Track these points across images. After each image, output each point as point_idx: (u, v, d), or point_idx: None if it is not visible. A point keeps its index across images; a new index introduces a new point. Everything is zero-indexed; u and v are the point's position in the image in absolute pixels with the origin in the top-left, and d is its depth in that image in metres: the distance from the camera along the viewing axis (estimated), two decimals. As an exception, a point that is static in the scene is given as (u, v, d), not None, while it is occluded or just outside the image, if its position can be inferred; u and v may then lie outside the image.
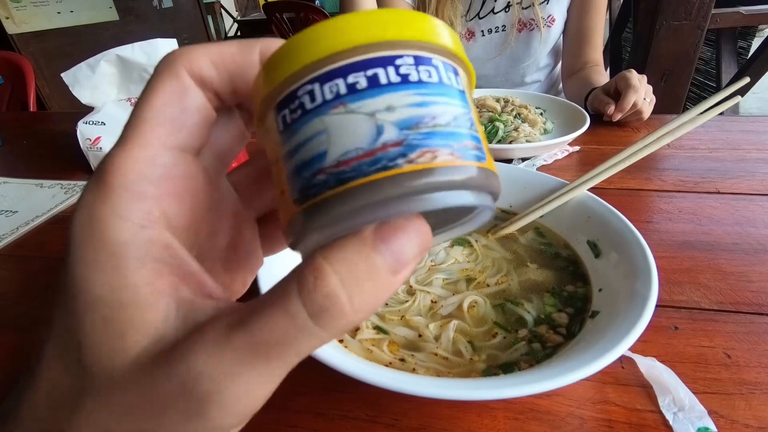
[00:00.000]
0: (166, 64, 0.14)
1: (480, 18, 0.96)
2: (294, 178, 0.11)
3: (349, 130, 0.11)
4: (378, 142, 0.10)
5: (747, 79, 0.42)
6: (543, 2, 0.92)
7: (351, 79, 0.11)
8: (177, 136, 0.13)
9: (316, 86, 0.11)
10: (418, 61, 0.11)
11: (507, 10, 0.94)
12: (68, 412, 0.12)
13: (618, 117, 0.73)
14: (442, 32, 0.12)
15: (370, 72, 0.11)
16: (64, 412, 0.12)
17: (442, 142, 0.11)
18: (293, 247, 0.12)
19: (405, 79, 0.11)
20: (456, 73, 0.12)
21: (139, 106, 0.13)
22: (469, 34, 0.98)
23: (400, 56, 0.11)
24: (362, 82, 0.11)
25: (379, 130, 0.11)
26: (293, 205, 0.11)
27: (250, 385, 0.11)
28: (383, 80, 0.11)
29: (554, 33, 0.96)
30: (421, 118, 0.11)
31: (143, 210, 0.12)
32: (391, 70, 0.11)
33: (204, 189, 0.15)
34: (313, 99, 0.11)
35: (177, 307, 0.12)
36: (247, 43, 0.14)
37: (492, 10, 0.94)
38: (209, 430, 0.11)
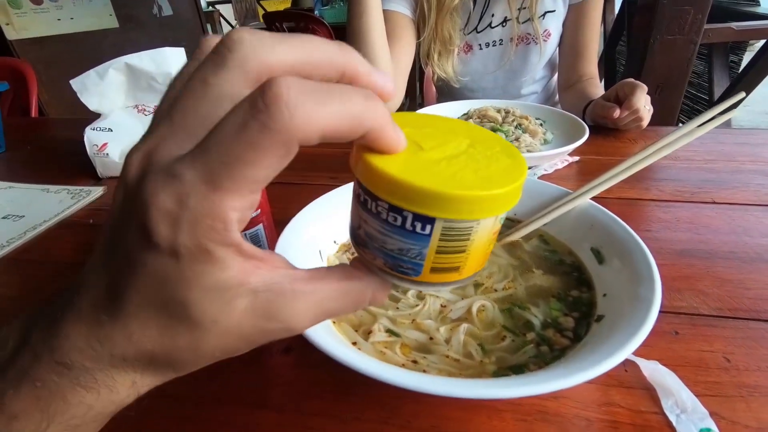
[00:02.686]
0: (290, 131, 0.13)
1: (478, 32, 0.98)
2: (351, 222, 0.20)
3: (366, 227, 0.19)
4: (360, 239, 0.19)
5: (742, 94, 0.44)
6: (539, 17, 0.94)
7: (372, 208, 0.18)
8: (261, 187, 0.15)
9: (370, 200, 0.18)
10: (392, 209, 0.17)
11: (504, 24, 0.96)
12: (192, 344, 0.16)
13: (624, 114, 0.74)
14: (435, 202, 0.16)
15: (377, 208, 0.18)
16: (186, 344, 0.16)
17: (382, 256, 0.18)
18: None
19: (378, 216, 0.17)
20: (427, 223, 0.17)
21: (248, 159, 0.14)
22: (467, 48, 1.01)
23: (388, 204, 0.17)
24: (373, 209, 0.18)
25: (366, 234, 0.19)
26: (350, 231, 0.20)
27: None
28: (371, 209, 0.18)
29: (550, 47, 0.99)
30: (379, 240, 0.18)
31: (235, 238, 0.15)
32: (379, 207, 0.17)
33: None
34: (367, 204, 0.18)
35: (262, 280, 0.16)
36: (358, 123, 0.15)
37: (489, 25, 0.97)
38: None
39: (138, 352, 0.16)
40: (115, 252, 0.16)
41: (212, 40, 0.17)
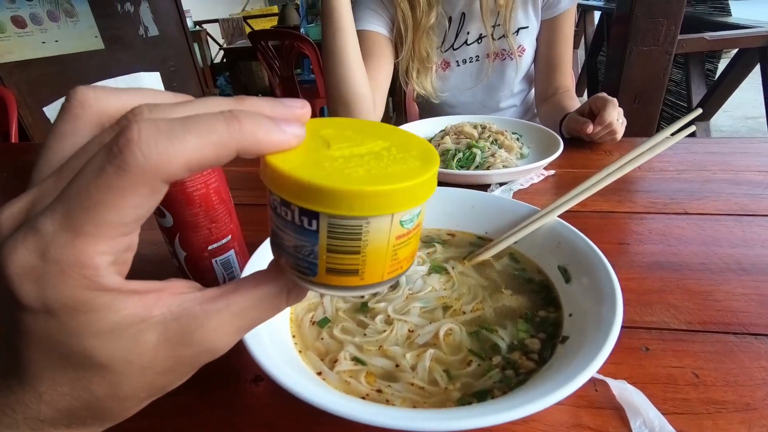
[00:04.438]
0: (147, 172, 0.13)
1: (454, 49, 1.00)
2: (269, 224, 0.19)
3: (272, 224, 0.19)
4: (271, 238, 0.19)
5: (699, 110, 0.45)
6: (513, 33, 0.96)
7: (271, 203, 0.18)
8: (133, 228, 0.15)
9: (270, 196, 0.18)
10: (282, 203, 0.17)
11: (480, 41, 0.98)
12: (112, 389, 0.16)
13: (597, 129, 0.75)
14: (316, 196, 0.16)
15: (273, 203, 0.18)
16: (108, 396, 0.16)
17: (284, 254, 0.18)
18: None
19: (275, 212, 0.17)
20: (312, 218, 0.16)
21: (108, 204, 0.14)
22: (444, 65, 1.02)
23: (279, 198, 0.17)
24: (272, 204, 0.18)
25: (273, 233, 0.19)
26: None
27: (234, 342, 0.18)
28: (271, 204, 0.18)
29: (526, 61, 1.01)
30: (280, 236, 0.18)
31: (113, 281, 0.15)
32: (275, 202, 0.17)
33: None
34: (269, 200, 0.18)
35: (167, 310, 0.16)
36: (228, 143, 0.15)
37: (465, 42, 0.99)
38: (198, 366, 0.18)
39: (54, 411, 0.16)
40: (3, 314, 0.15)
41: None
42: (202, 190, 0.39)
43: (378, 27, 0.95)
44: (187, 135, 0.14)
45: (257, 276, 0.18)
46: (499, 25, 0.95)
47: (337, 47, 0.80)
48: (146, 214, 0.15)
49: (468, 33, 0.97)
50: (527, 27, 0.96)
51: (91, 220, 0.14)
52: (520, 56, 0.98)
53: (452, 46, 0.99)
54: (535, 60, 1.03)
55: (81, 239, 0.14)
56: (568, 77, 1.00)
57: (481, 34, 0.97)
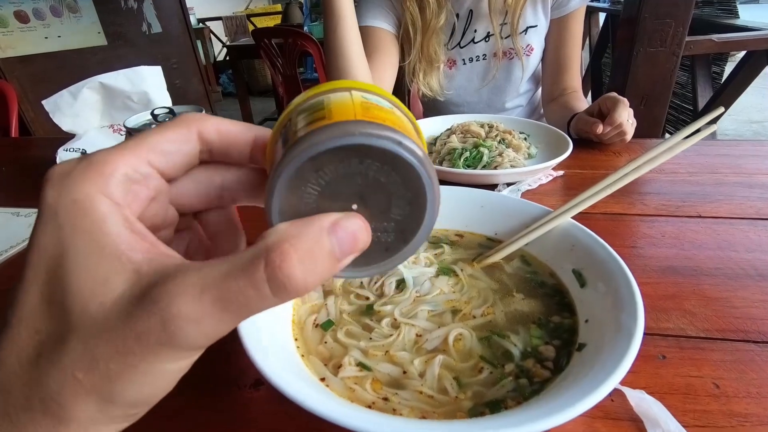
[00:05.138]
0: (188, 118, 0.19)
1: (461, 47, 0.98)
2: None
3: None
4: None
5: (721, 109, 0.43)
6: (521, 32, 0.94)
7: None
8: (161, 162, 0.18)
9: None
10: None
11: (487, 39, 0.96)
12: (55, 345, 0.15)
13: (607, 130, 0.73)
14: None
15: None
16: (50, 348, 0.15)
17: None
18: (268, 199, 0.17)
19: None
20: (288, 122, 0.19)
21: (152, 133, 0.18)
22: (450, 63, 1.01)
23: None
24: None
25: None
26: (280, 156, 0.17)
27: (210, 328, 0.15)
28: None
29: (533, 61, 0.99)
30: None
31: (120, 194, 0.17)
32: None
33: (157, 198, 0.19)
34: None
35: (149, 261, 0.16)
36: (247, 128, 0.20)
37: (472, 40, 0.97)
38: (172, 356, 0.15)
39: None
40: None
41: None
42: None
43: (384, 24, 0.93)
44: (222, 118, 0.20)
45: None
46: (507, 23, 0.94)
47: (338, 39, 0.78)
48: (173, 152, 0.18)
49: (475, 31, 0.96)
50: (536, 26, 0.95)
51: (136, 140, 0.18)
52: (527, 56, 0.97)
53: (459, 43, 0.98)
54: (543, 59, 1.01)
55: (120, 147, 0.17)
56: (576, 78, 0.98)
57: (488, 33, 0.96)
